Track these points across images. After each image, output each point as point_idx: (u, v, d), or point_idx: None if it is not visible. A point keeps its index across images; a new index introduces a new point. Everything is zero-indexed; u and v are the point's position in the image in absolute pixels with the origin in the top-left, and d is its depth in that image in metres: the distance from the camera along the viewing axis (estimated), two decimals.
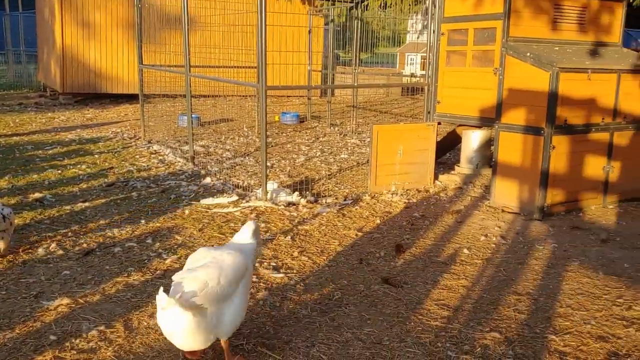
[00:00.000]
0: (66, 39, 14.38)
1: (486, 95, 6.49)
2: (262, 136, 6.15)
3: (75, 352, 3.14)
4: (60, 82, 14.58)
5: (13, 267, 4.28)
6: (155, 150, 8.77)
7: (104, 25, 14.59)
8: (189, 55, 7.68)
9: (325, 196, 6.46)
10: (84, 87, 14.80)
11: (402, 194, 6.59)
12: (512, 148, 6.11)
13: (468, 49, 6.74)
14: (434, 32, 7.16)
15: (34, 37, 19.31)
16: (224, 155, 8.66)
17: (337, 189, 6.88)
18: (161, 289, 2.63)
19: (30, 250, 4.62)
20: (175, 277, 2.81)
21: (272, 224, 5.48)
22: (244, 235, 3.29)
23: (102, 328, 3.40)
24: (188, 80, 7.73)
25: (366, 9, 12.05)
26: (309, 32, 12.45)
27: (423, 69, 19.36)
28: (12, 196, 6.14)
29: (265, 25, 5.71)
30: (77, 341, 3.25)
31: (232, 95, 15.06)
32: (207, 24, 11.04)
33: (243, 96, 15.54)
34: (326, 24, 15.99)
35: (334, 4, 13.03)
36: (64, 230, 5.12)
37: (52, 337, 3.28)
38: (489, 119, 6.48)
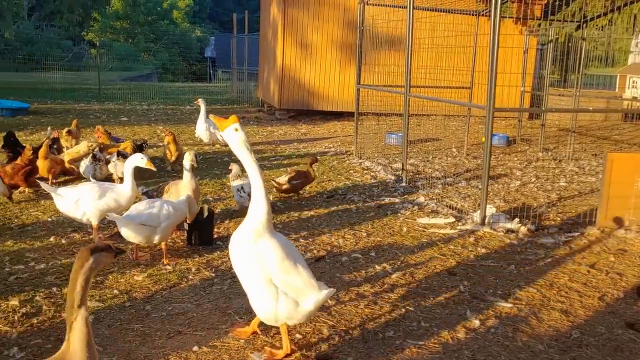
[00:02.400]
0: (286, 59, 15.64)
1: None
2: (485, 159, 6.05)
3: (317, 352, 3.37)
4: (278, 98, 15.89)
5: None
6: (367, 167, 9.10)
7: (320, 46, 15.59)
8: (410, 76, 7.85)
9: (547, 226, 6.12)
10: (298, 104, 15.93)
11: (637, 231, 5.97)
12: None
13: None
14: None
15: (256, 57, 21.31)
16: (434, 174, 8.67)
17: (559, 218, 6.48)
18: None
19: None
20: None
21: (493, 250, 5.34)
22: None
23: (341, 334, 3.60)
24: (407, 100, 7.91)
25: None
26: (525, 52, 11.95)
27: None
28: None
29: (498, 47, 5.62)
30: (320, 343, 3.49)
31: (436, 115, 15.07)
32: (421, 45, 11.22)
33: (447, 116, 15.46)
34: (541, 44, 15.24)
35: (551, 24, 12.36)
36: (295, 235, 5.55)
37: (298, 336, 3.56)
38: None
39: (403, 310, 3.99)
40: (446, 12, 10.25)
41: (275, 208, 6.50)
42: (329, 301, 4.07)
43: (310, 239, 5.48)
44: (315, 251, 5.15)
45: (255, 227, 3.29)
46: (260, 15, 20.07)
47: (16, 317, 3.72)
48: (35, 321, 3.69)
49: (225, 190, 7.29)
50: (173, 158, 8.34)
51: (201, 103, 10.85)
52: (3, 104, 15.03)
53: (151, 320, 3.75)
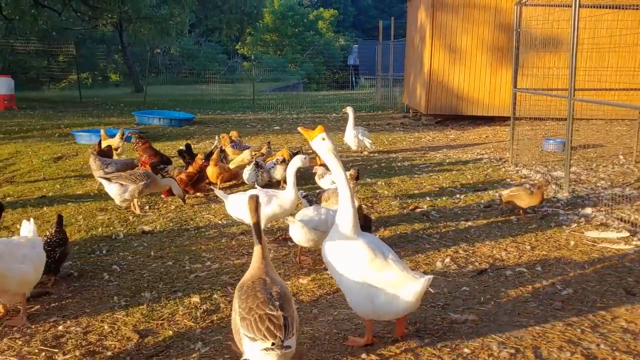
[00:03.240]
0: (433, 64, 15.44)
1: None
2: None
3: None
4: (424, 104, 15.74)
5: None
6: (524, 175, 8.67)
7: (469, 50, 15.19)
8: (574, 79, 7.37)
9: None
10: (445, 109, 15.64)
11: None
12: None
13: None
14: None
15: (401, 63, 21.30)
16: (599, 184, 8.03)
17: None
18: None
19: (428, 262, 5.04)
20: None
21: None
22: None
23: (511, 351, 3.46)
24: (571, 104, 7.42)
25: None
26: None
27: None
28: (401, 207, 6.83)
29: None
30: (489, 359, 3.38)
31: (596, 119, 13.97)
32: (583, 46, 10.49)
33: (609, 120, 14.28)
34: None
35: None
36: (454, 247, 5.44)
37: (466, 350, 3.48)
38: None
39: (578, 330, 3.74)
40: (615, 8, 9.46)
41: (430, 217, 6.44)
42: (496, 316, 3.94)
43: (470, 251, 5.34)
44: (476, 263, 5.01)
45: (343, 231, 3.52)
46: (406, 21, 20.03)
47: (198, 314, 4.06)
48: (215, 318, 4.00)
49: (377, 197, 7.36)
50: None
51: (349, 111, 11.05)
52: (172, 115, 16.52)
53: (319, 323, 3.89)
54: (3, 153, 10.44)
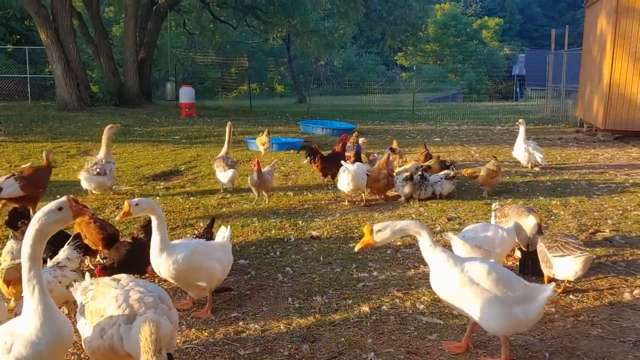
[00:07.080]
0: (615, 75, 14.15)
1: None
2: None
3: None
4: (602, 118, 14.48)
5: (601, 306, 4.33)
6: None
7: None
8: None
9: None
10: (626, 124, 14.24)
11: None
12: None
13: None
14: None
15: (574, 73, 19.83)
16: None
17: None
18: None
19: (614, 292, 4.60)
20: None
21: None
22: None
23: None
24: None
25: None
26: None
27: None
28: (580, 229, 6.33)
29: None
30: None
31: None
32: None
33: None
34: None
35: None
36: None
37: None
38: None
39: None
40: None
41: (614, 243, 5.88)
42: None
43: None
44: None
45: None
46: (583, 29, 18.66)
47: (369, 324, 4.09)
48: (386, 330, 3.99)
49: (553, 217, 6.89)
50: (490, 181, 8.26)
51: (521, 124, 10.52)
52: (334, 125, 17.02)
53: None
54: (186, 156, 11.48)
